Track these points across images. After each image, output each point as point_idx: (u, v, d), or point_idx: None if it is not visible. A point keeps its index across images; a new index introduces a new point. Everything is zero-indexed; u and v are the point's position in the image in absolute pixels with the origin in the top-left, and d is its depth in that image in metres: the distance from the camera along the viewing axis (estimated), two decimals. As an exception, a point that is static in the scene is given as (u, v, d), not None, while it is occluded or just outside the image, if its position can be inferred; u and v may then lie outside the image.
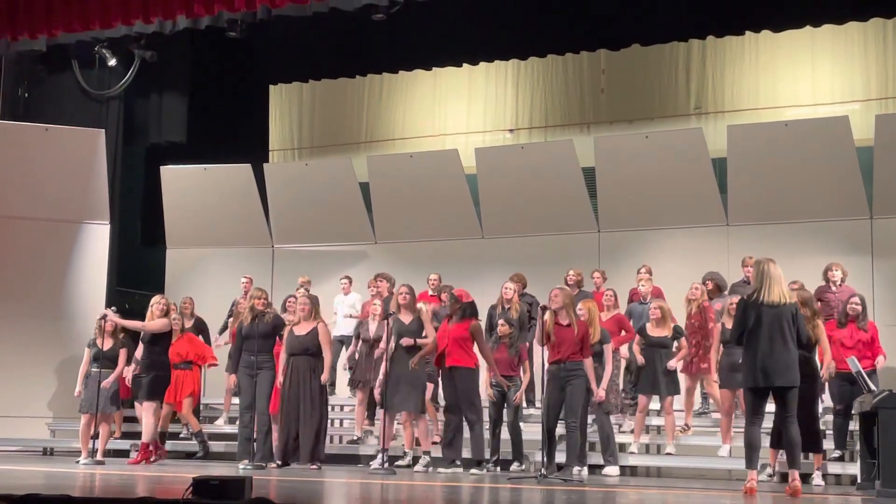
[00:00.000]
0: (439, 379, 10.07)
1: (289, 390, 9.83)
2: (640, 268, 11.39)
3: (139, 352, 10.66)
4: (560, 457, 9.25)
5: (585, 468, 9.55)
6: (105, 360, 10.74)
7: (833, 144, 11.85)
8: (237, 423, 10.54)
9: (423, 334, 9.82)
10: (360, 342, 10.93)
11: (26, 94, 14.81)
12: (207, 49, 15.03)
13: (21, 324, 13.32)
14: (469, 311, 9.65)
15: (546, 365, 8.94)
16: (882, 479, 7.43)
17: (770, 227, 12.14)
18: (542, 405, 9.16)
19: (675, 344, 10.31)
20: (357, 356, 11.04)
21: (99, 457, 10.63)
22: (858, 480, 8.18)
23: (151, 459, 10.43)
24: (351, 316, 12.32)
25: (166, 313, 10.60)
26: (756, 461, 7.50)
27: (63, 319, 13.57)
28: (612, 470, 9.44)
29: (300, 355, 9.88)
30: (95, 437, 10.71)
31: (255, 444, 10.01)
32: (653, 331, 10.26)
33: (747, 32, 14.19)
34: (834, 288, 10.50)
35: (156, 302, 10.66)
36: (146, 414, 10.47)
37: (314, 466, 9.73)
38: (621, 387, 10.41)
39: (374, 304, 11.01)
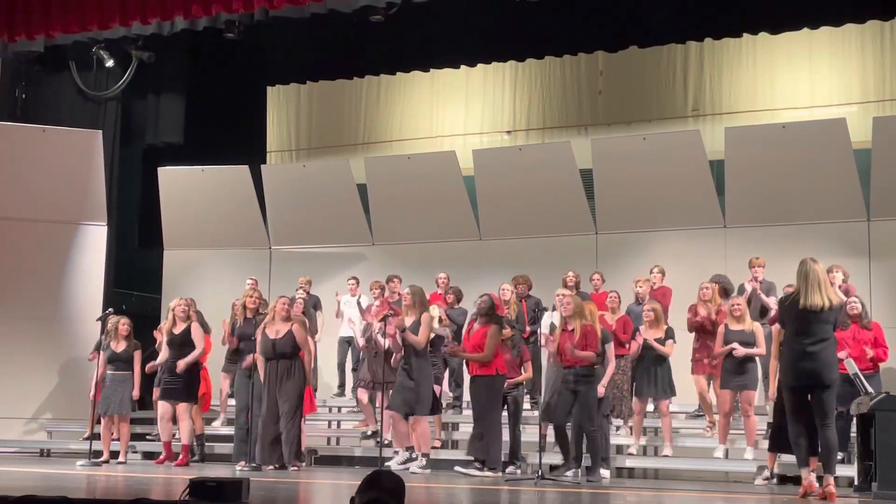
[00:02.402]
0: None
1: (266, 393, 9.77)
2: (653, 268, 11.34)
3: (163, 355, 10.63)
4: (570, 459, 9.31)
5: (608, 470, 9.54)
6: (119, 363, 10.81)
7: (830, 147, 11.85)
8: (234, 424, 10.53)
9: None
10: (366, 344, 10.82)
11: (23, 95, 14.77)
12: (205, 50, 14.99)
13: (18, 325, 13.28)
14: (495, 319, 9.59)
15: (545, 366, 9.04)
16: (879, 481, 7.43)
17: (767, 229, 12.12)
18: (545, 405, 9.26)
19: (669, 342, 10.22)
20: (362, 357, 10.96)
21: (121, 458, 10.71)
22: (856, 482, 8.17)
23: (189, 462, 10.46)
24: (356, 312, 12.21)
25: (188, 317, 10.61)
26: (806, 459, 7.47)
27: (60, 321, 13.55)
28: (604, 472, 9.40)
29: (275, 359, 9.75)
30: (96, 438, 10.75)
31: (251, 445, 9.98)
32: (647, 333, 10.18)
33: (745, 34, 14.16)
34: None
35: (177, 305, 10.66)
36: (184, 416, 10.47)
37: (294, 468, 9.71)
38: (631, 392, 10.28)
39: (374, 305, 10.93)
